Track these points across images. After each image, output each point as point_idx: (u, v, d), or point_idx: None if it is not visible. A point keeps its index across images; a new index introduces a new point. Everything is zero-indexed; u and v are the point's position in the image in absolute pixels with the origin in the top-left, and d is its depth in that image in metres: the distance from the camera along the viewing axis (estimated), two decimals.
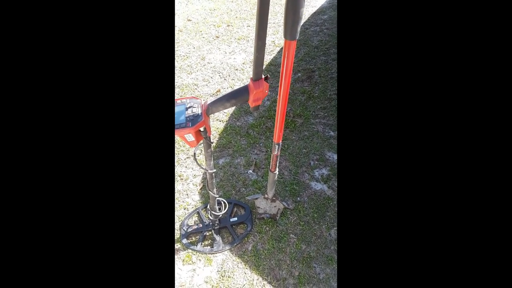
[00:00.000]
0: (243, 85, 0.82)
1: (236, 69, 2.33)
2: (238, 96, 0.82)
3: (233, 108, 1.97)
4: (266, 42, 2.66)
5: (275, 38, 2.67)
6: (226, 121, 1.89)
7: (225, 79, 2.25)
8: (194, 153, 1.01)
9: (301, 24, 0.61)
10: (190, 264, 1.24)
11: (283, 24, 0.63)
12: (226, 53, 2.53)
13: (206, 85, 2.21)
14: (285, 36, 0.64)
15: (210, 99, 0.84)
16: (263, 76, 0.78)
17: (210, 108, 0.83)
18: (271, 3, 3.22)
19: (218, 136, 1.80)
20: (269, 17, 2.90)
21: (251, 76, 0.78)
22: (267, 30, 2.85)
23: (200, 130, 0.86)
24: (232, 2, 3.36)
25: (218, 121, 1.90)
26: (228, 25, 2.92)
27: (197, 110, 0.82)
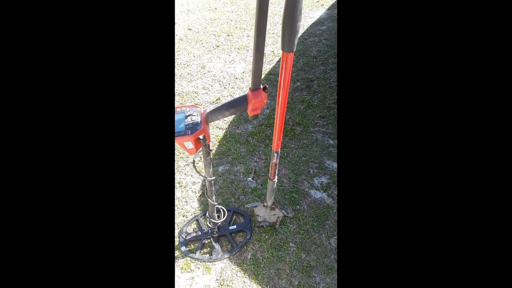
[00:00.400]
0: (242, 94, 0.84)
1: (236, 78, 2.37)
2: (237, 105, 0.83)
3: (233, 116, 1.99)
4: (266, 51, 2.71)
5: (275, 48, 2.71)
6: (226, 128, 1.91)
7: (225, 88, 2.28)
8: (194, 161, 1.01)
9: (299, 36, 0.63)
10: (189, 272, 1.23)
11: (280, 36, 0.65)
12: (226, 62, 2.57)
13: (206, 93, 2.23)
14: (283, 48, 0.66)
15: (210, 108, 0.86)
16: (261, 87, 0.80)
17: (209, 117, 0.85)
18: (271, 13, 3.29)
19: (217, 143, 1.81)
20: (268, 28, 2.97)
21: (250, 86, 0.80)
22: (267, 40, 2.91)
23: (199, 138, 0.88)
24: (232, 12, 3.43)
25: (217, 129, 1.91)
26: (228, 35, 2.97)
27: (197, 118, 0.83)
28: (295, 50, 0.66)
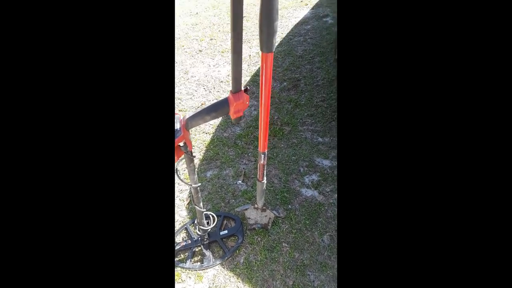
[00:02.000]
0: (223, 97, 0.82)
1: (221, 81, 2.35)
2: (218, 109, 0.82)
3: (220, 119, 1.97)
4: (251, 53, 2.71)
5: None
6: (213, 133, 1.89)
7: (210, 92, 2.25)
8: (176, 169, 0.99)
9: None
10: (180, 282, 1.20)
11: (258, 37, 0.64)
12: (210, 66, 2.55)
13: (191, 98, 2.21)
14: (262, 49, 0.65)
15: (189, 113, 0.84)
16: (242, 88, 0.79)
17: (190, 123, 0.83)
18: (254, 14, 3.29)
19: (205, 148, 1.79)
20: (253, 29, 2.97)
21: (230, 89, 0.79)
22: (252, 42, 2.90)
23: (179, 145, 0.86)
24: (214, 16, 3.42)
25: (204, 133, 1.89)
26: (211, 39, 2.95)
27: (176, 126, 0.81)
28: (274, 50, 0.66)
